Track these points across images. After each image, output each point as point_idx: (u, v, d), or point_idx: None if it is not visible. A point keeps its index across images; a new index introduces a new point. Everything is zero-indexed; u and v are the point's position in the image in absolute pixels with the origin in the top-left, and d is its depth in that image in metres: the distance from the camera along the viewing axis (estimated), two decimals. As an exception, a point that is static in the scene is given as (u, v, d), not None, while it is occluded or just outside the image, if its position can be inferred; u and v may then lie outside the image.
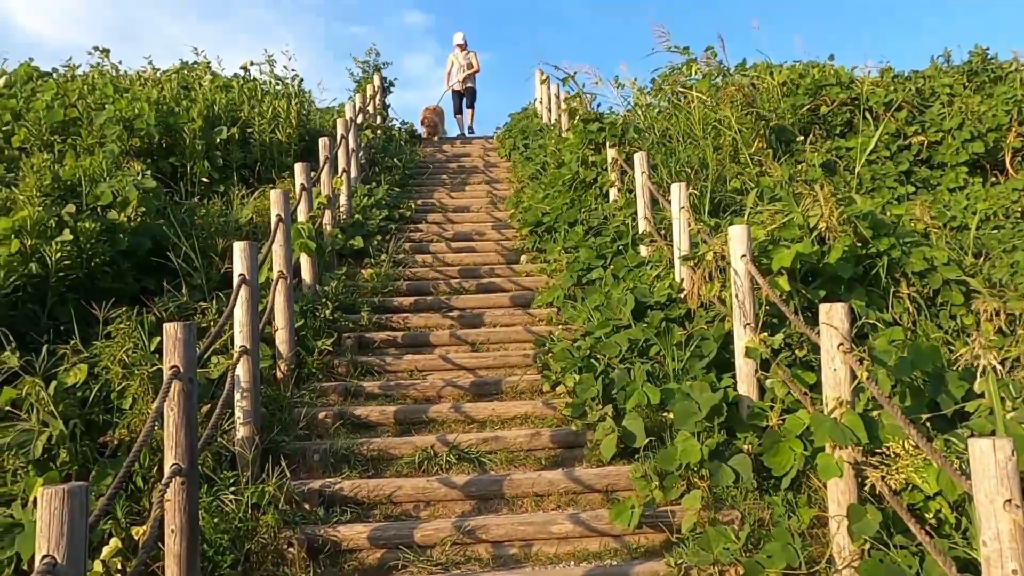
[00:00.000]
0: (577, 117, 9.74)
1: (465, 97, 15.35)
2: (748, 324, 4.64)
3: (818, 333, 3.72)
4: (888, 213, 6.88)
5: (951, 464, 2.94)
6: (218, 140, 9.18)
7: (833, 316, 3.59)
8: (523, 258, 8.09)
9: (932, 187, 8.90)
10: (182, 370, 3.38)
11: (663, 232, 6.95)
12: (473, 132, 15.38)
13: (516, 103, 23.98)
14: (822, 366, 3.68)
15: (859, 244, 5.54)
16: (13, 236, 5.55)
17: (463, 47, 15.12)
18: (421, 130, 14.33)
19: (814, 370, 4.47)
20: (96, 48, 11.52)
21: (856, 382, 3.53)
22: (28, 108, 9.02)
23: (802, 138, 9.02)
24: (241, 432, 4.40)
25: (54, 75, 11.11)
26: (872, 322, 4.83)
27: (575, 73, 10.91)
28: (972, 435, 3.43)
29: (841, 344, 3.54)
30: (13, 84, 10.38)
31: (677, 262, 6.15)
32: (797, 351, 4.72)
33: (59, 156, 7.58)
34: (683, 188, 6.15)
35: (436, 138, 14.20)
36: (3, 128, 8.64)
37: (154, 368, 4.46)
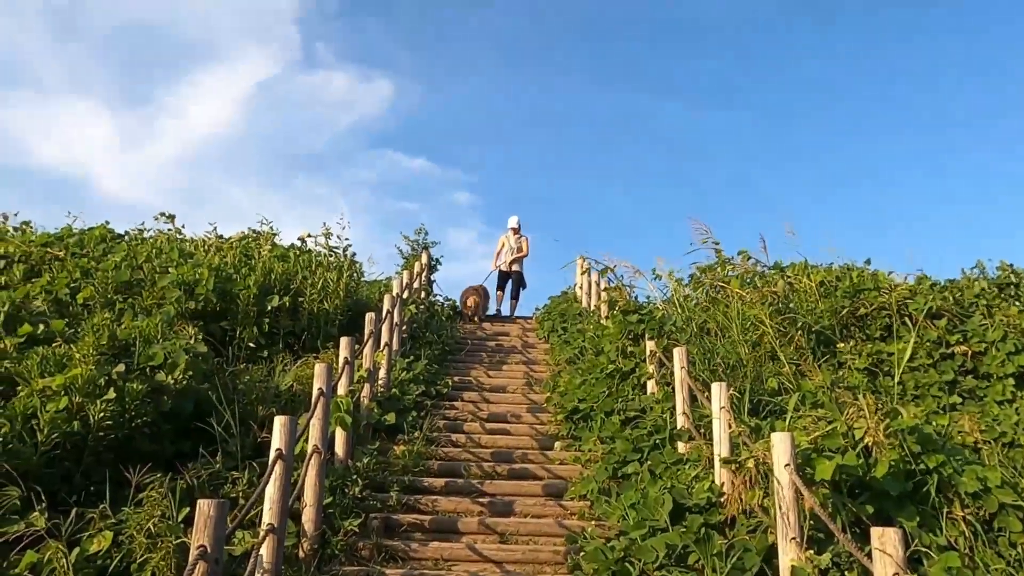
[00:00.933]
0: (617, 308, 9.95)
1: (512, 283, 15.36)
2: (793, 539, 4.43)
3: (868, 555, 3.53)
4: (934, 423, 6.70)
5: None
6: (269, 307, 9.52)
7: (887, 542, 3.42)
8: (557, 445, 7.96)
9: (979, 398, 8.69)
10: (209, 550, 3.32)
11: (702, 430, 6.84)
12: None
13: (555, 284, 24.60)
14: (876, 596, 3.46)
15: (907, 459, 5.37)
16: (63, 393, 5.69)
17: (516, 231, 15.44)
18: (463, 308, 14.62)
19: (865, 596, 4.19)
20: (162, 214, 12.39)
21: (914, 618, 3.30)
22: (98, 267, 9.56)
23: (843, 344, 9.00)
24: (256, 618, 4.21)
25: (126, 237, 11.86)
26: (926, 547, 4.57)
27: (615, 266, 11.31)
28: None
29: (896, 574, 3.34)
30: (87, 244, 11.10)
31: (717, 463, 5.99)
32: (847, 572, 4.45)
33: (119, 314, 7.92)
34: (723, 388, 6.12)
35: (477, 318, 14.42)
36: (71, 284, 9.12)
37: (179, 541, 4.38)
